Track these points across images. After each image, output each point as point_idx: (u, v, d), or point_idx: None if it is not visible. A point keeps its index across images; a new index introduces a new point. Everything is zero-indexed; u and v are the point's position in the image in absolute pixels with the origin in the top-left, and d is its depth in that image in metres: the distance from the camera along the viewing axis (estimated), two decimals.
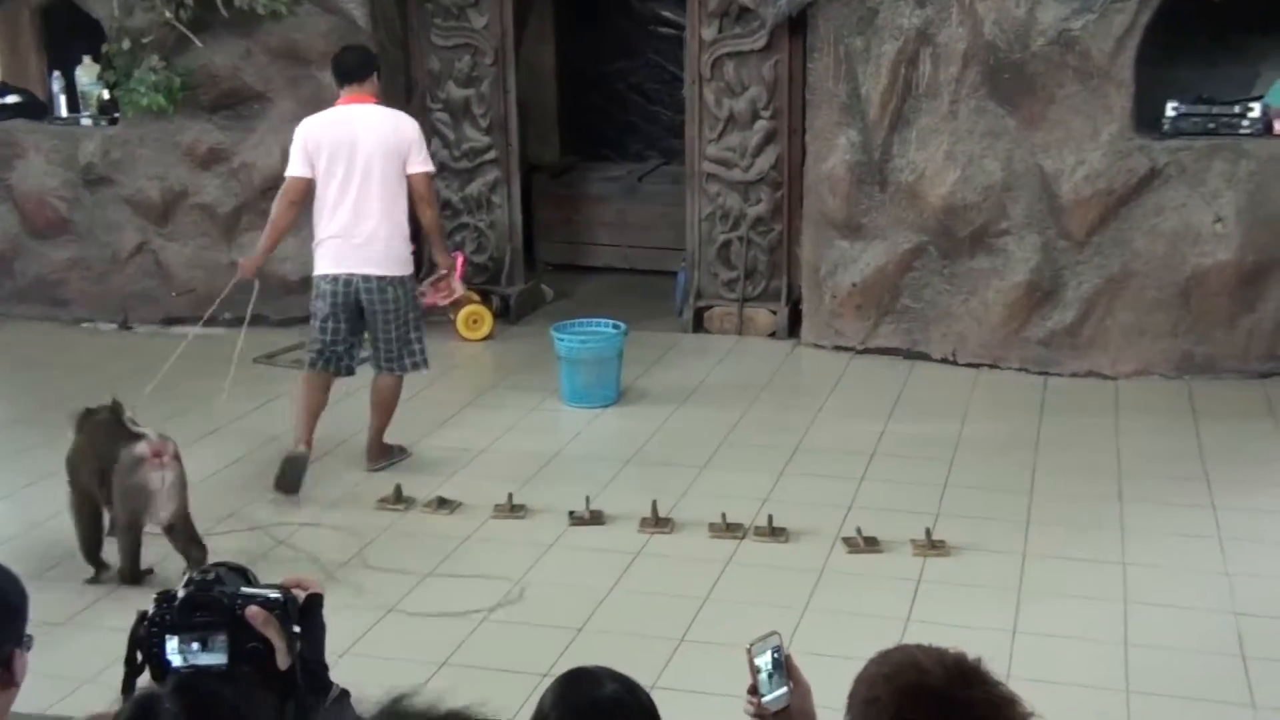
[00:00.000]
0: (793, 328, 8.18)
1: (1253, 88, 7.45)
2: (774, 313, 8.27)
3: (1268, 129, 7.19)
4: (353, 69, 6.10)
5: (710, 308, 8.39)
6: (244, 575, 1.93)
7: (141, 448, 5.02)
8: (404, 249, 6.09)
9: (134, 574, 5.09)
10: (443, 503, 5.82)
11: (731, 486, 5.94)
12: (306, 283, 8.20)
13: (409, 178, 6.01)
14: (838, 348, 7.89)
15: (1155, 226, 7.22)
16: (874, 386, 7.32)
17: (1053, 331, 7.44)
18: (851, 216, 7.71)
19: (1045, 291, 7.42)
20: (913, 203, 7.54)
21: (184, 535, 5.12)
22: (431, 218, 6.17)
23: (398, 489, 5.89)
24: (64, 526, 5.66)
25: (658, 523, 5.55)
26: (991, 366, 7.55)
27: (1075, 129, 7.19)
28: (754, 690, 2.24)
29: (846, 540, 5.35)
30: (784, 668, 2.24)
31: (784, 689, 2.23)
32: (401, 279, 6.08)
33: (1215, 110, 7.23)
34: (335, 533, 5.60)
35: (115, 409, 5.27)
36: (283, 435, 6.71)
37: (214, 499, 5.84)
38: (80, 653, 4.37)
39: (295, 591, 1.91)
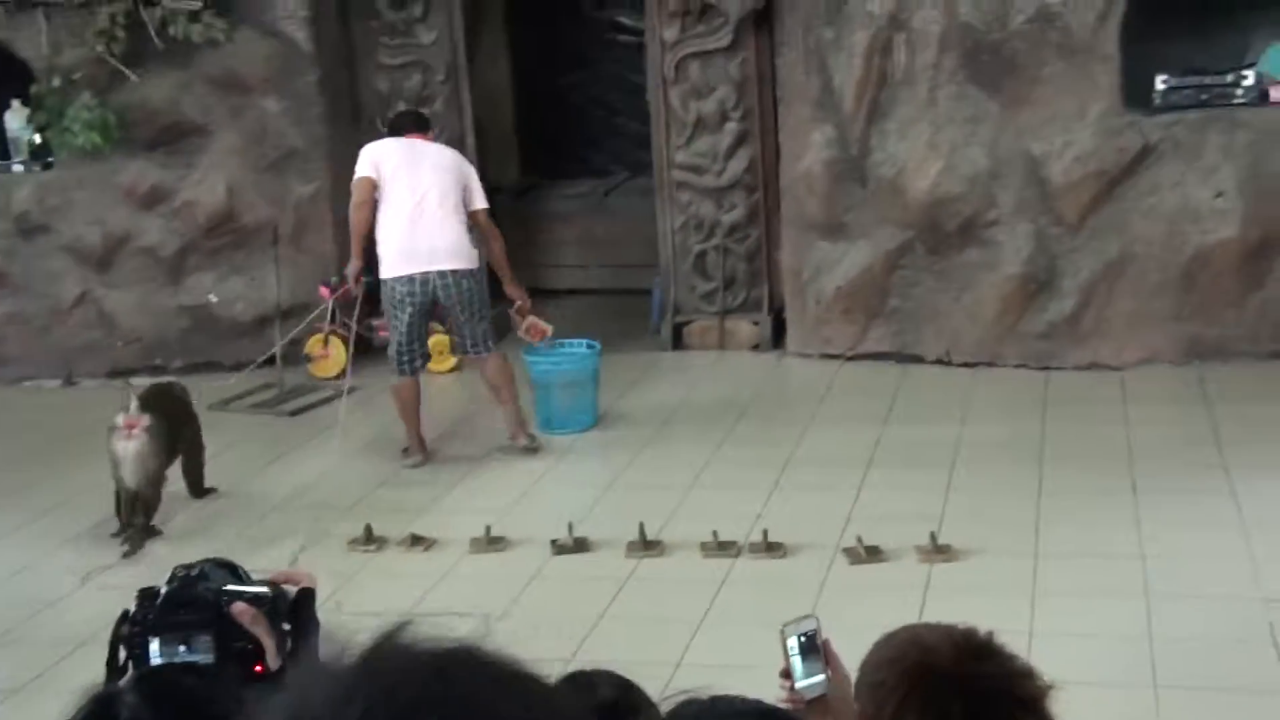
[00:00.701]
0: (777, 338, 8.17)
1: (1245, 57, 7.49)
2: (756, 324, 8.26)
3: (1263, 98, 7.23)
4: (416, 122, 6.89)
5: (689, 323, 8.38)
6: (233, 571, 1.91)
7: (119, 418, 5.83)
8: (470, 246, 6.60)
9: (124, 525, 5.90)
10: (416, 540, 5.77)
11: (722, 505, 5.91)
12: (261, 323, 8.27)
13: (473, 214, 6.60)
14: (825, 356, 7.87)
15: (1152, 207, 7.23)
16: (866, 393, 7.30)
17: (1051, 324, 7.44)
18: (832, 216, 7.71)
19: (1041, 282, 7.43)
20: (896, 198, 7.54)
21: (143, 509, 5.87)
22: (499, 251, 6.79)
23: (368, 529, 5.83)
24: (21, 588, 5.62)
25: (646, 546, 5.51)
26: (989, 365, 7.53)
27: (1062, 109, 7.22)
28: (787, 674, 2.20)
29: (847, 551, 5.32)
30: (821, 652, 2.20)
31: (820, 676, 2.18)
32: (472, 271, 6.63)
33: (1207, 81, 7.28)
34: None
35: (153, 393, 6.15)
36: (238, 486, 6.64)
37: (178, 551, 5.77)
38: (44, 717, 4.28)
39: (285, 587, 1.89)
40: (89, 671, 1.82)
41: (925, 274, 7.63)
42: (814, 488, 6.05)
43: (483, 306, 6.71)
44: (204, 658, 1.77)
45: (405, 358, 6.63)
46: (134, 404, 5.87)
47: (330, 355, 8.05)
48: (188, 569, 1.87)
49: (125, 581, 5.36)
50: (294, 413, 7.68)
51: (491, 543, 5.67)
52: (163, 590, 1.82)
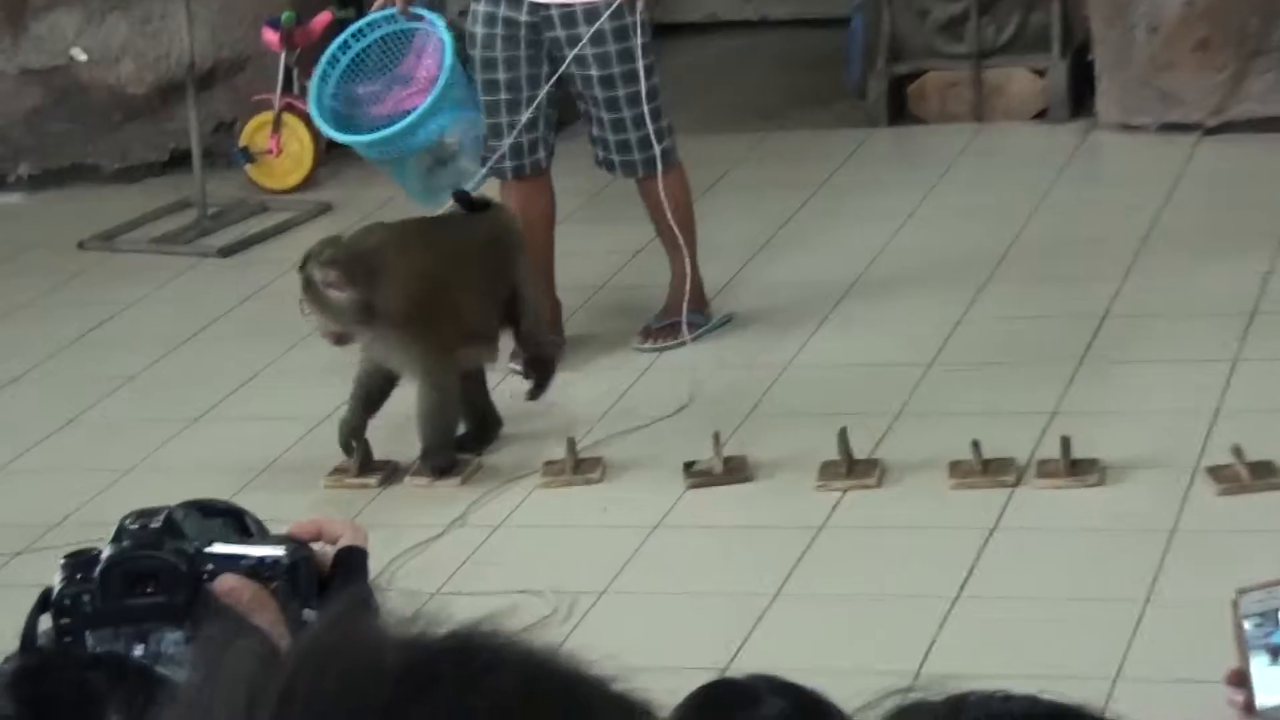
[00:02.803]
0: (1079, 99, 8.16)
1: None
2: (1041, 74, 8.27)
3: None
4: None
5: (919, 75, 8.42)
6: (235, 519, 1.98)
7: None
8: None
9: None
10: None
11: (986, 395, 5.97)
12: (164, 97, 8.34)
13: None
14: (1167, 127, 7.85)
15: None
16: (1243, 191, 7.31)
17: None
18: None
19: None
20: None
21: None
22: None
23: (364, 451, 5.88)
24: None
25: (851, 469, 5.53)
26: None
27: None
28: (1240, 679, 2.16)
29: (1214, 471, 5.31)
30: None
31: None
32: None
33: None
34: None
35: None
36: (154, 376, 6.74)
37: (45, 489, 6.01)
38: None
39: (321, 546, 1.96)
40: None
41: None
42: (1150, 360, 6.08)
43: None
44: (173, 671, 1.82)
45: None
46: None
47: (284, 149, 8.07)
48: (145, 518, 1.92)
49: None
50: (225, 251, 7.78)
51: (579, 468, 5.72)
52: (104, 554, 1.88)
